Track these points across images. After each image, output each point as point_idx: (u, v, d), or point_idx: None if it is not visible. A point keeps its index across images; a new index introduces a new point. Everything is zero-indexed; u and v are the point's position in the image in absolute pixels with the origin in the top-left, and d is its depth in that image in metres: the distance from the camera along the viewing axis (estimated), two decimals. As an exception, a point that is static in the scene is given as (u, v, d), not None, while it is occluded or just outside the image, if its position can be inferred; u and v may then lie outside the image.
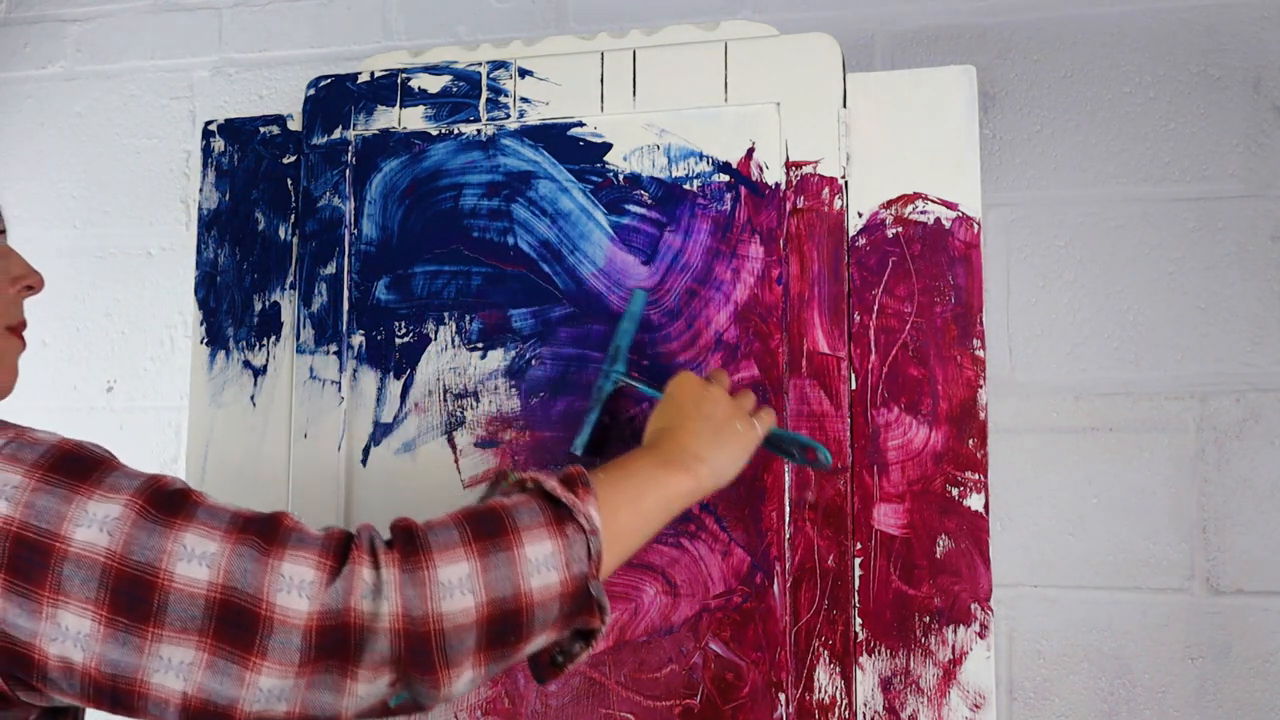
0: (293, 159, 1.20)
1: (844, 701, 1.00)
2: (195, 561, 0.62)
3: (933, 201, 1.05)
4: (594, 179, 1.11)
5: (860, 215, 1.06)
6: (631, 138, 1.11)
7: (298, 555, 0.65)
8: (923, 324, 1.03)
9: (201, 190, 1.23)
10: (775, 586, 1.02)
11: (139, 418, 1.38)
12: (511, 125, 1.14)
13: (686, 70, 1.10)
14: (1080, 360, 1.16)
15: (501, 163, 1.14)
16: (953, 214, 1.04)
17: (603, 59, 1.12)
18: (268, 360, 1.18)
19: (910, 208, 1.05)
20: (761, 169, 1.08)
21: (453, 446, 1.11)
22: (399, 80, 1.17)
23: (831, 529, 1.02)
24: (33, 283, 0.80)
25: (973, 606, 1.00)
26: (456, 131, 1.15)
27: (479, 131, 1.15)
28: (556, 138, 1.13)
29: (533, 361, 1.11)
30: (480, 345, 1.12)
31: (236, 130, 1.23)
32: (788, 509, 1.03)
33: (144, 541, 0.62)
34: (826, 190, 1.06)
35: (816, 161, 1.06)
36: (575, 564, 0.69)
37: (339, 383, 1.15)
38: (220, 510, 0.66)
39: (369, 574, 0.64)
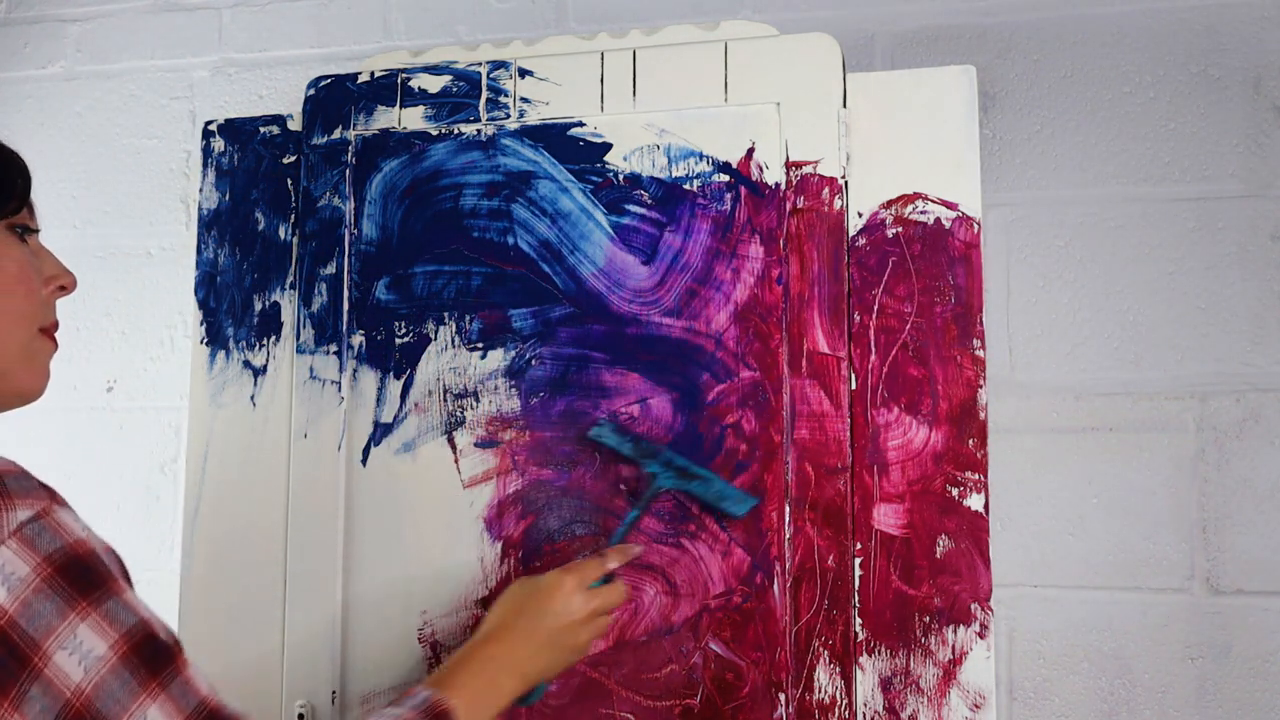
0: (293, 159, 1.20)
1: (844, 701, 1.00)
2: None
3: (933, 201, 1.05)
4: (594, 179, 1.11)
5: (860, 215, 1.06)
6: (631, 138, 1.11)
7: None
8: (923, 324, 1.03)
9: (201, 190, 1.23)
10: (775, 586, 1.02)
11: (139, 418, 1.38)
12: (511, 125, 1.14)
13: (686, 70, 1.10)
14: (1080, 360, 1.16)
15: (501, 163, 1.14)
16: (953, 214, 1.04)
17: (603, 59, 1.12)
18: (268, 360, 1.18)
19: (910, 208, 1.05)
20: (761, 169, 1.08)
21: (453, 446, 1.11)
22: (399, 80, 1.17)
23: (831, 529, 1.02)
24: (66, 283, 0.79)
25: (973, 606, 1.00)
26: (456, 131, 1.15)
27: (479, 131, 1.15)
28: (556, 138, 1.13)
29: (533, 361, 1.11)
30: (480, 345, 1.12)
31: (236, 130, 1.23)
32: (788, 509, 1.03)
33: (113, 693, 0.62)
34: (826, 190, 1.06)
35: (816, 161, 1.06)
36: None
37: (339, 383, 1.15)
38: (192, 691, 0.66)
39: None
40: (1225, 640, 1.10)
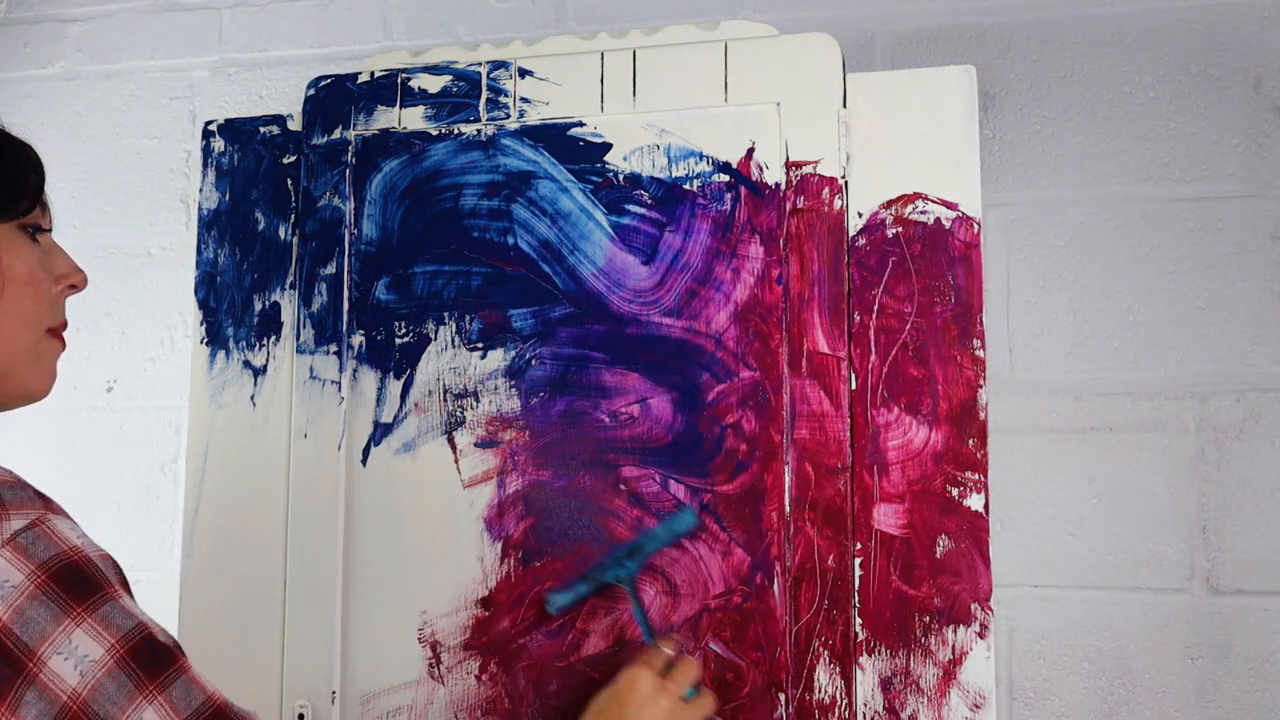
0: (293, 159, 1.20)
1: (844, 701, 1.00)
2: None
3: (933, 201, 1.05)
4: (594, 179, 1.11)
5: (860, 215, 1.06)
6: (631, 138, 1.11)
7: None
8: (923, 324, 1.03)
9: (201, 190, 1.23)
10: (775, 586, 1.02)
11: (139, 418, 1.38)
12: (511, 125, 1.14)
13: (686, 70, 1.10)
14: (1080, 360, 1.16)
15: (501, 163, 1.14)
16: (953, 214, 1.04)
17: (603, 59, 1.12)
18: (268, 360, 1.18)
19: (910, 208, 1.05)
20: (761, 169, 1.08)
21: (453, 446, 1.11)
22: (399, 80, 1.17)
23: (831, 529, 1.02)
24: (76, 281, 0.78)
25: (973, 606, 1.00)
26: (456, 131, 1.15)
27: (479, 131, 1.15)
28: (556, 138, 1.13)
29: (533, 361, 1.11)
30: (480, 345, 1.12)
31: (236, 130, 1.23)
32: (788, 509, 1.03)
33: (110, 696, 0.62)
34: (826, 190, 1.06)
35: (816, 161, 1.06)
36: None
37: (339, 383, 1.15)
38: (197, 690, 0.66)
39: None
40: (1225, 640, 1.10)
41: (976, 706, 0.99)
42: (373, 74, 1.18)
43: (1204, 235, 1.15)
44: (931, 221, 1.04)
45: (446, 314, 1.13)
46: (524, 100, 1.14)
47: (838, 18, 1.24)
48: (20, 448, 1.40)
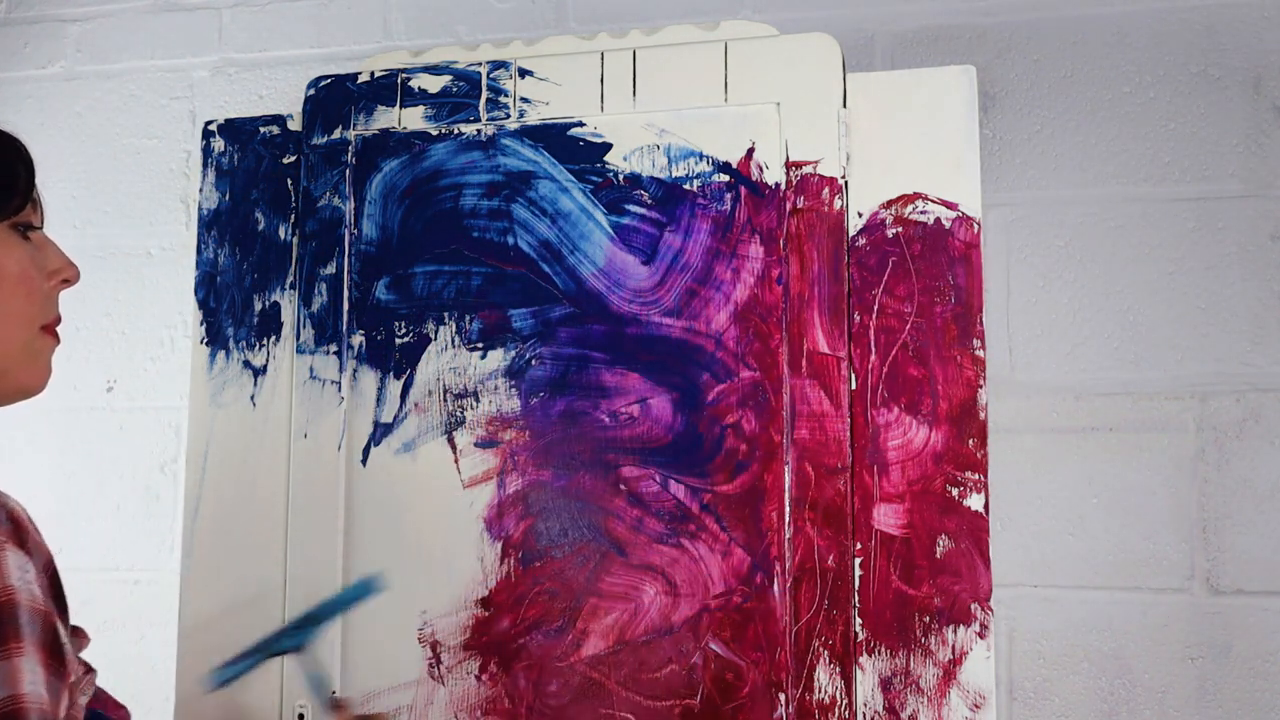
0: (293, 159, 1.20)
1: (844, 701, 1.00)
2: None
3: (933, 201, 1.05)
4: (594, 179, 1.11)
5: (860, 215, 1.06)
6: (631, 138, 1.11)
7: None
8: (923, 324, 1.03)
9: (201, 190, 1.23)
10: (775, 586, 1.02)
11: (139, 418, 1.38)
12: (511, 125, 1.14)
13: (686, 70, 1.10)
14: (1080, 360, 1.16)
15: (501, 163, 1.14)
16: (953, 214, 1.04)
17: (603, 59, 1.12)
18: (268, 360, 1.18)
19: (910, 208, 1.05)
20: (761, 169, 1.08)
21: (453, 446, 1.11)
22: (399, 80, 1.17)
23: (831, 529, 1.02)
24: (68, 275, 0.78)
25: (973, 606, 1.00)
26: (456, 131, 1.15)
27: (479, 131, 1.15)
28: (556, 138, 1.13)
29: (533, 361, 1.11)
30: (480, 345, 1.12)
31: (236, 130, 1.23)
32: (788, 509, 1.03)
33: None
34: (826, 190, 1.06)
35: (816, 161, 1.06)
36: None
37: (339, 383, 1.15)
38: None
39: None
40: (1225, 640, 1.10)
41: (976, 706, 0.99)
42: (373, 74, 1.18)
43: (1204, 235, 1.15)
44: (931, 221, 1.04)
45: (446, 314, 1.13)
46: (524, 100, 1.14)
47: (837, 18, 1.24)
48: (20, 447, 1.40)
